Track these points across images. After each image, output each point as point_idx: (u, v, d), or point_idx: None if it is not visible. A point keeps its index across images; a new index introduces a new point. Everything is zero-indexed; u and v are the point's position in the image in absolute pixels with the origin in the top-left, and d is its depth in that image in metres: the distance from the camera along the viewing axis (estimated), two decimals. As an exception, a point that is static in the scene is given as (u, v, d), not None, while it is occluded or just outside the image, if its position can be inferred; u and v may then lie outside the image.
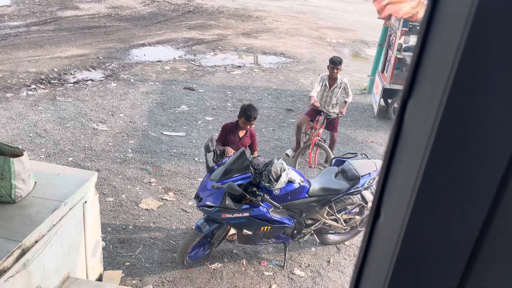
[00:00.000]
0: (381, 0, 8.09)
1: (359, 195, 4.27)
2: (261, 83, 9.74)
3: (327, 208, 4.20)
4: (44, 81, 8.56)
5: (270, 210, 3.85)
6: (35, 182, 3.08)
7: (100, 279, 3.76)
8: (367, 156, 4.67)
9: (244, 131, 4.56)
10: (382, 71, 8.68)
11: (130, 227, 4.62)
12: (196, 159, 6.15)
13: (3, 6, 15.12)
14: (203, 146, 5.90)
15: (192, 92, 8.78)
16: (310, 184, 4.08)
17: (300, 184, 3.98)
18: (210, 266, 4.18)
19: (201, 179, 5.45)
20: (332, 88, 5.97)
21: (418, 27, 7.48)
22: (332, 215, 4.26)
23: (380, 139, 7.49)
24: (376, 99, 8.55)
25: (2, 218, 2.72)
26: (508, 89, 0.45)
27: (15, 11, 14.51)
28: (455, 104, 0.46)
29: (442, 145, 0.47)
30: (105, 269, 3.91)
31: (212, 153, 4.12)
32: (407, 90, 0.53)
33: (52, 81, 8.67)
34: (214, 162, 4.10)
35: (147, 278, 3.97)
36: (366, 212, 4.43)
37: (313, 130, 6.03)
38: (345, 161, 4.45)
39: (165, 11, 17.06)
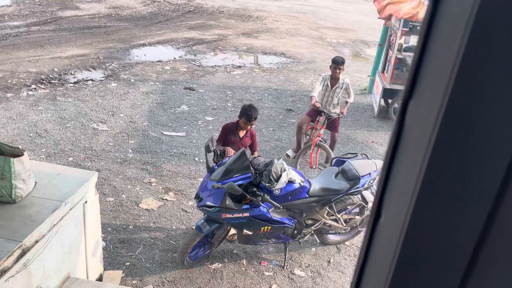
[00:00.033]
0: (382, 0, 8.09)
1: (359, 195, 4.27)
2: (261, 83, 9.74)
3: (327, 208, 4.20)
4: (44, 81, 8.56)
5: (270, 210, 3.85)
6: (36, 182, 3.08)
7: (100, 279, 3.76)
8: (367, 156, 4.66)
9: (245, 131, 4.56)
10: (383, 71, 8.68)
11: (130, 227, 4.62)
12: (196, 159, 6.15)
13: (3, 6, 15.13)
14: (203, 146, 5.90)
15: (192, 92, 8.78)
16: (310, 184, 4.08)
17: (300, 184, 3.98)
18: (211, 266, 4.18)
19: (201, 179, 5.45)
20: (333, 88, 5.94)
21: (418, 27, 7.49)
22: (332, 215, 4.26)
23: (380, 139, 7.49)
24: (376, 99, 8.55)
25: (3, 218, 2.72)
26: (509, 89, 0.44)
27: (16, 11, 14.51)
28: (456, 104, 0.46)
29: (443, 146, 0.47)
30: (105, 269, 3.91)
31: (213, 153, 4.12)
32: (408, 90, 0.53)
33: (52, 81, 8.67)
34: (214, 162, 4.10)
35: (147, 278, 3.97)
36: (366, 212, 4.43)
37: (313, 131, 6.02)
38: (345, 161, 4.45)
39: (165, 11, 17.06)
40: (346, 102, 6.02)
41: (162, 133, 6.86)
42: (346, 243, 4.71)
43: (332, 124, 5.94)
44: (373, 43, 14.45)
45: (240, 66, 10.92)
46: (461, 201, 0.50)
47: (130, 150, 6.23)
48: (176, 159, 6.10)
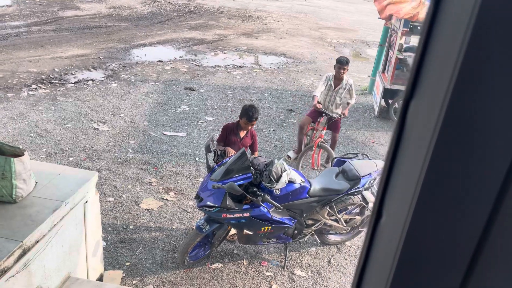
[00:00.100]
0: (382, 0, 8.09)
1: (359, 196, 4.27)
2: (261, 83, 9.74)
3: (327, 208, 4.20)
4: (45, 81, 8.57)
5: (270, 210, 3.85)
6: (36, 182, 3.08)
7: (100, 279, 3.77)
8: (367, 156, 4.66)
9: (245, 132, 4.56)
10: (383, 72, 8.68)
11: (130, 227, 4.62)
12: (196, 159, 6.15)
13: (4, 6, 15.14)
14: (203, 146, 5.91)
15: (192, 92, 8.78)
16: (310, 185, 4.08)
17: (300, 184, 3.98)
18: (211, 266, 4.18)
19: (201, 179, 5.45)
20: (337, 89, 5.89)
21: (419, 28, 7.48)
22: (332, 215, 4.26)
23: (381, 139, 7.49)
24: (376, 100, 8.55)
25: (3, 218, 2.72)
26: (510, 89, 0.44)
27: (16, 11, 14.52)
28: (457, 104, 0.46)
29: (444, 146, 0.47)
30: (105, 269, 3.91)
31: (213, 153, 4.12)
32: (409, 90, 0.53)
33: (53, 81, 8.68)
34: (214, 162, 4.10)
35: (147, 278, 3.97)
36: (367, 213, 4.43)
37: (314, 131, 6.01)
38: (345, 161, 4.45)
39: (165, 11, 17.07)
40: (348, 103, 5.99)
41: (163, 133, 6.86)
42: (347, 243, 4.70)
43: (333, 125, 5.91)
44: (373, 43, 14.45)
45: (240, 66, 10.93)
46: (462, 201, 0.50)
47: (130, 150, 6.23)
48: (177, 159, 6.10)
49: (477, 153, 0.47)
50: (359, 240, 4.77)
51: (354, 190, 4.18)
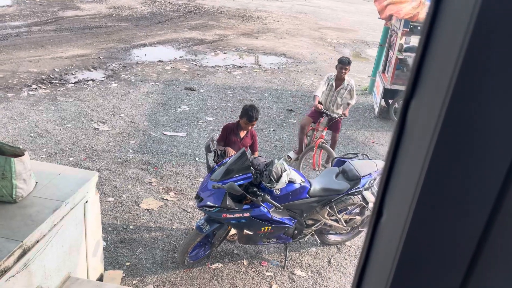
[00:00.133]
0: (382, 0, 8.09)
1: (359, 196, 4.27)
2: (262, 83, 9.75)
3: (327, 208, 4.20)
4: (45, 81, 8.57)
5: (270, 211, 3.85)
6: (36, 182, 3.08)
7: (100, 279, 3.77)
8: (368, 156, 4.66)
9: (245, 132, 4.56)
10: (383, 72, 8.68)
11: (131, 227, 4.62)
12: (197, 159, 6.15)
13: (4, 6, 15.14)
14: (203, 146, 5.90)
15: (193, 92, 8.78)
16: (311, 185, 4.08)
17: (301, 184, 3.98)
18: (211, 266, 4.18)
19: (201, 179, 5.45)
20: (338, 89, 5.86)
21: (419, 28, 7.47)
22: (332, 215, 4.26)
23: (381, 139, 7.49)
24: (377, 100, 8.55)
25: (3, 218, 2.72)
26: (511, 89, 0.45)
27: (16, 11, 14.52)
28: (457, 104, 0.46)
29: (445, 145, 0.47)
30: (106, 269, 3.91)
31: (213, 153, 4.12)
32: (409, 90, 0.53)
33: (53, 81, 8.68)
34: (215, 162, 4.10)
35: (147, 278, 3.97)
36: (367, 213, 4.43)
37: (315, 132, 6.00)
38: (345, 161, 4.45)
39: (166, 11, 17.07)
40: (348, 104, 5.98)
41: (163, 133, 6.86)
42: (347, 243, 4.70)
43: (334, 125, 5.90)
44: (373, 44, 14.45)
45: (240, 66, 10.93)
46: (462, 201, 0.50)
47: (130, 150, 6.23)
48: (177, 159, 6.11)
49: (477, 152, 0.47)
50: (359, 240, 4.77)
51: (354, 190, 4.18)
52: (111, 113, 7.39)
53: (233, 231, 4.27)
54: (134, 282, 3.92)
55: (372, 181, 4.27)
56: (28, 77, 8.69)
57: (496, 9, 0.42)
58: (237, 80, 9.81)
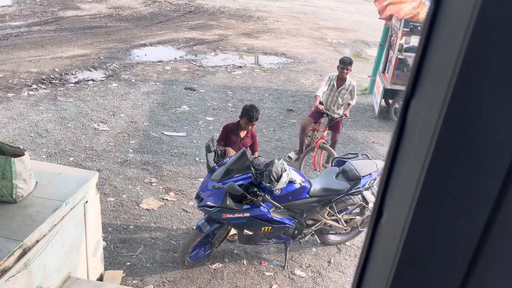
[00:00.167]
0: (382, 0, 8.09)
1: (360, 196, 4.26)
2: (262, 84, 9.75)
3: (328, 208, 4.20)
4: (45, 81, 8.57)
5: (271, 210, 3.85)
6: (36, 182, 3.08)
7: (101, 279, 3.77)
8: (368, 156, 4.66)
9: (245, 132, 4.56)
10: (383, 72, 8.68)
11: (131, 227, 4.62)
12: (197, 159, 6.16)
13: (4, 6, 15.15)
14: (204, 146, 5.90)
15: (193, 92, 8.78)
16: (311, 185, 4.08)
17: (301, 184, 3.98)
18: (211, 266, 4.18)
19: (202, 179, 5.45)
20: (339, 89, 5.83)
21: (419, 28, 7.47)
22: (333, 215, 4.26)
23: (381, 139, 7.49)
24: (377, 100, 8.55)
25: (3, 217, 2.72)
26: (511, 88, 0.45)
27: (17, 11, 14.53)
28: (458, 103, 0.46)
29: (445, 145, 0.47)
30: (106, 269, 3.91)
31: (213, 153, 4.12)
32: (410, 89, 0.53)
33: (53, 81, 8.68)
34: (215, 162, 4.10)
35: (148, 278, 3.97)
36: (367, 213, 4.43)
37: (315, 132, 5.99)
38: (346, 161, 4.45)
39: (166, 11, 17.07)
40: (349, 104, 5.97)
41: (163, 133, 6.86)
42: (347, 243, 4.70)
43: (334, 125, 5.89)
44: (373, 44, 14.45)
45: (240, 66, 10.93)
46: (462, 201, 0.50)
47: (130, 150, 6.23)
48: (177, 159, 6.11)
49: (477, 152, 0.47)
50: (359, 240, 4.77)
51: (354, 190, 4.18)
52: (111, 113, 7.39)
53: (233, 231, 4.27)
54: (134, 282, 3.92)
55: (372, 181, 4.27)
56: (28, 77, 8.69)
57: (496, 9, 0.42)
58: (237, 80, 9.81)
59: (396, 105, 8.20)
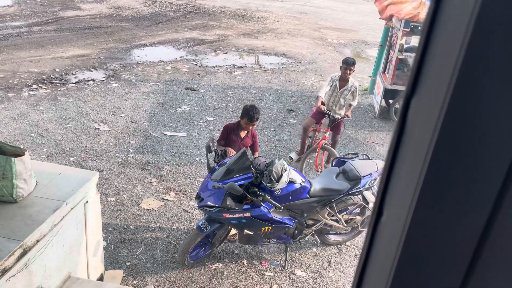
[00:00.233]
0: (383, 0, 8.09)
1: (360, 196, 4.26)
2: (262, 84, 9.75)
3: (328, 208, 4.20)
4: (45, 81, 8.58)
5: (271, 211, 3.85)
6: (37, 182, 3.08)
7: (101, 278, 3.77)
8: (368, 156, 4.66)
9: (246, 132, 4.56)
10: (384, 72, 8.68)
11: (131, 227, 4.62)
12: (197, 159, 6.16)
13: (5, 6, 15.16)
14: (204, 146, 5.90)
15: (193, 92, 8.78)
16: (311, 185, 4.08)
17: (301, 184, 3.98)
18: (211, 266, 4.18)
19: (202, 179, 5.45)
20: (341, 90, 5.80)
21: (419, 28, 7.47)
22: (333, 215, 4.26)
23: (381, 139, 7.49)
24: (377, 100, 8.55)
25: (4, 217, 2.72)
26: (511, 88, 0.45)
27: (17, 11, 14.54)
28: (458, 103, 0.46)
29: (445, 144, 0.47)
30: (106, 269, 3.91)
31: (213, 153, 4.13)
32: (410, 88, 0.53)
33: (53, 81, 8.69)
34: (215, 162, 4.10)
35: (148, 278, 3.97)
36: (367, 213, 4.43)
37: (316, 133, 5.98)
38: (346, 161, 4.45)
39: (166, 12, 17.08)
40: (350, 105, 5.95)
41: (163, 133, 6.86)
42: (347, 243, 4.70)
43: (336, 126, 5.86)
44: (374, 44, 14.45)
45: (241, 67, 10.93)
46: (462, 201, 0.50)
47: (131, 150, 6.23)
48: (177, 159, 6.11)
49: (478, 151, 0.47)
50: (360, 240, 4.77)
51: (355, 190, 4.18)
52: (111, 113, 7.40)
53: (233, 231, 4.27)
54: (134, 282, 3.92)
55: (372, 181, 4.27)
56: (29, 77, 8.70)
57: (496, 9, 0.42)
58: (238, 80, 9.81)
59: (397, 105, 8.19)
